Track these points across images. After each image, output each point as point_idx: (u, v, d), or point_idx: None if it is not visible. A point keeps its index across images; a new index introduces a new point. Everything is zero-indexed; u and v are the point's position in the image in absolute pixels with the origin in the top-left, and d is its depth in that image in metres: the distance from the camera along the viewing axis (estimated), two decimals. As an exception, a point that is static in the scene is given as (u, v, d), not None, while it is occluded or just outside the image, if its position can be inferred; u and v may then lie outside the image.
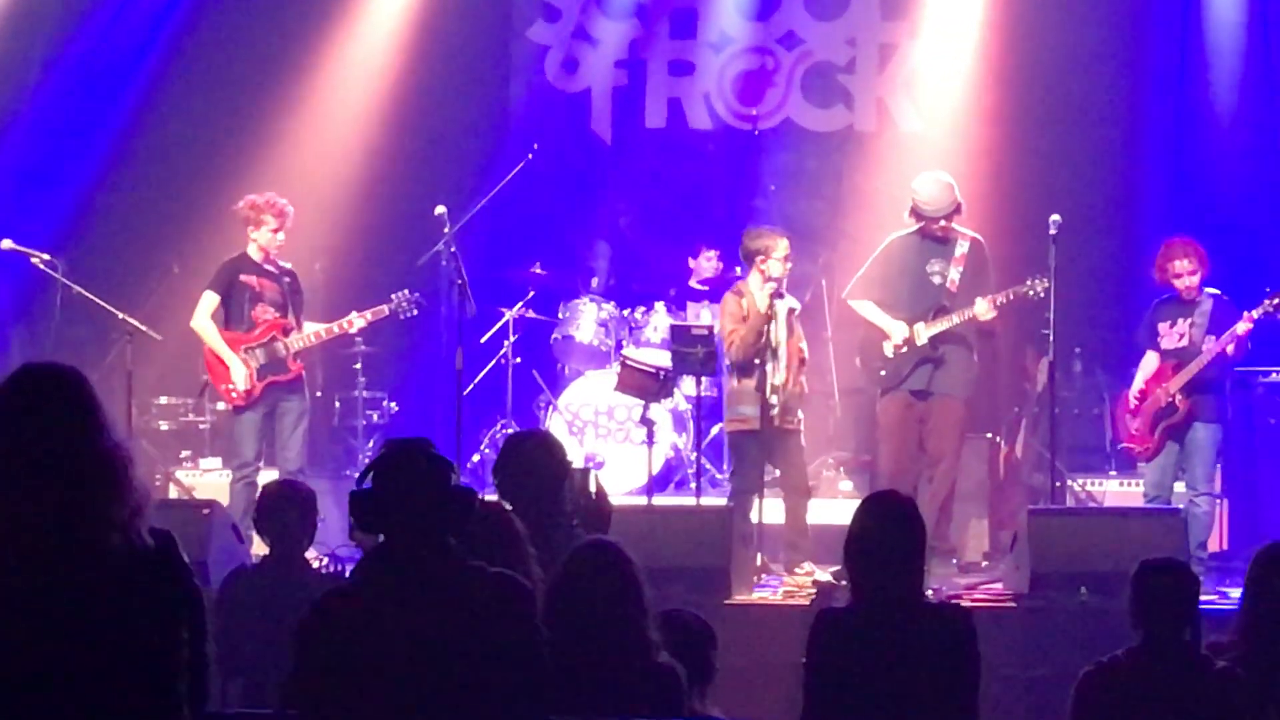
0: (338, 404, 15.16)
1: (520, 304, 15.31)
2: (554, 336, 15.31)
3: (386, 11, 16.27)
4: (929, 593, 7.06)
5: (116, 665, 4.60)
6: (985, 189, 14.29)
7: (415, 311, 12.88)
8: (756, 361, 12.14)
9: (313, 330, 12.77)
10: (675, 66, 16.91)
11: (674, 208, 16.71)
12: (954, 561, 12.56)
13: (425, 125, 16.27)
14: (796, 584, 11.42)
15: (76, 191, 15.68)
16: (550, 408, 15.11)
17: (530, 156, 14.51)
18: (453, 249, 12.49)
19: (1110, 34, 15.66)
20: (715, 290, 15.37)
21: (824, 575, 11.12)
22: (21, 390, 4.74)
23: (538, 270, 15.52)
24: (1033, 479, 14.10)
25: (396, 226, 15.34)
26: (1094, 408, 14.82)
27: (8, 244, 12.85)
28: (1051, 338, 12.08)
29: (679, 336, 13.04)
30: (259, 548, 10.43)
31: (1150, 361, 12.25)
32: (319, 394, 14.61)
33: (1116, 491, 13.87)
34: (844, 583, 9.55)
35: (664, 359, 13.66)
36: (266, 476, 12.07)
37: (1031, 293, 12.15)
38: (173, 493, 14.02)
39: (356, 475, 5.37)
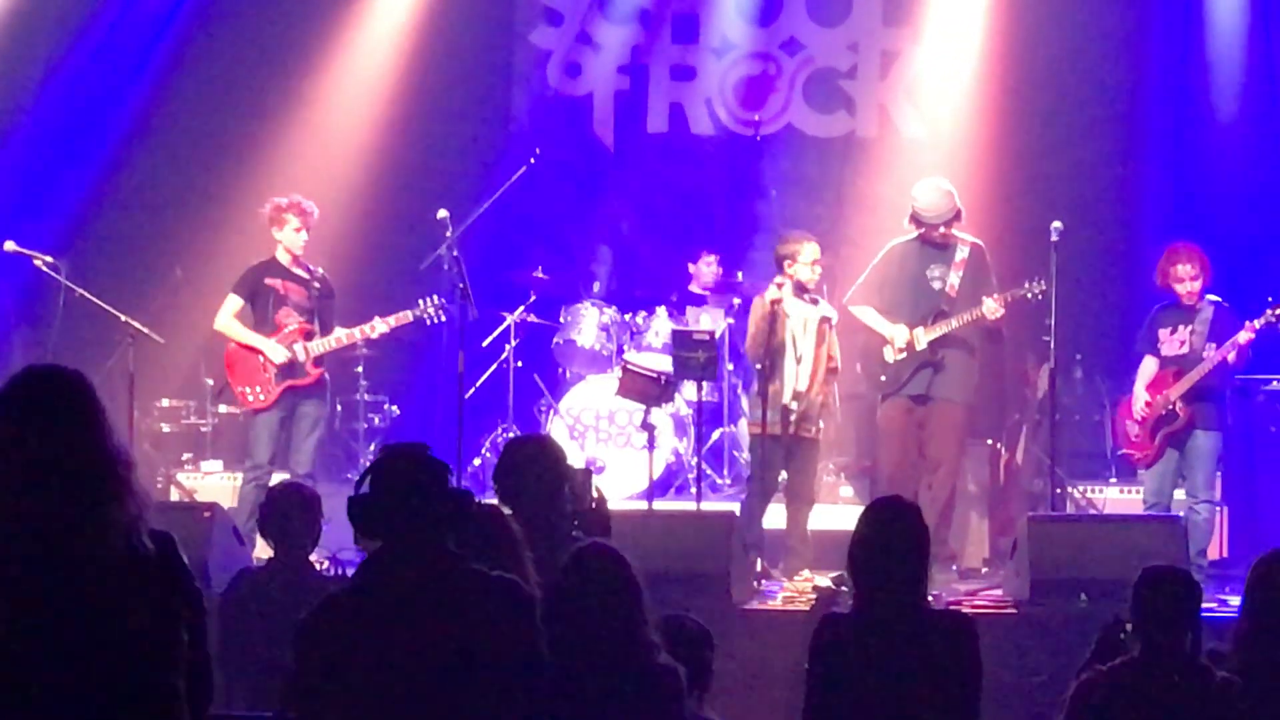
0: (339, 407, 15.16)
1: (522, 308, 15.33)
2: (555, 341, 15.32)
3: (389, 16, 16.28)
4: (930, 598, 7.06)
5: (117, 668, 4.61)
6: (987, 195, 14.31)
7: (442, 318, 12.84)
8: (764, 366, 12.11)
9: (334, 335, 12.75)
10: (677, 71, 16.93)
11: (676, 212, 16.73)
12: (954, 567, 12.55)
13: (427, 129, 16.28)
14: (796, 589, 11.42)
15: (80, 194, 15.70)
16: (551, 412, 15.12)
17: (532, 160, 14.50)
18: (455, 253, 12.48)
19: (1112, 41, 15.68)
20: (716, 295, 15.40)
21: (823, 581, 11.12)
22: (24, 392, 4.74)
23: (539, 274, 15.53)
24: (1033, 485, 14.10)
25: (399, 230, 15.34)
26: (1094, 414, 14.82)
27: (11, 246, 12.85)
28: (1052, 344, 12.09)
29: (680, 341, 13.06)
30: (260, 550, 10.47)
31: (1149, 367, 12.24)
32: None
33: (1117, 498, 13.87)
34: (844, 588, 9.57)
35: (665, 364, 13.67)
36: (280, 480, 12.08)
37: (1029, 294, 12.15)
38: (174, 495, 14.04)
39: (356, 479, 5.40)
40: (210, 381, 14.80)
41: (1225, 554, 12.76)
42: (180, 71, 16.15)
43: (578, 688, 5.87)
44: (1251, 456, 13.41)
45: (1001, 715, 9.06)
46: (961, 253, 12.38)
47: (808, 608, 10.55)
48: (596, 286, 15.96)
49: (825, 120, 16.68)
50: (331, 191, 14.90)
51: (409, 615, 5.18)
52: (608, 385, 14.49)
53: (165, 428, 14.97)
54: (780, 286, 12.15)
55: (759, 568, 11.77)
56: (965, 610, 9.36)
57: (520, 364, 15.25)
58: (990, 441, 13.81)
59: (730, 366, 14.76)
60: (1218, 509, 12.46)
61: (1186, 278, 12.02)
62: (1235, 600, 8.02)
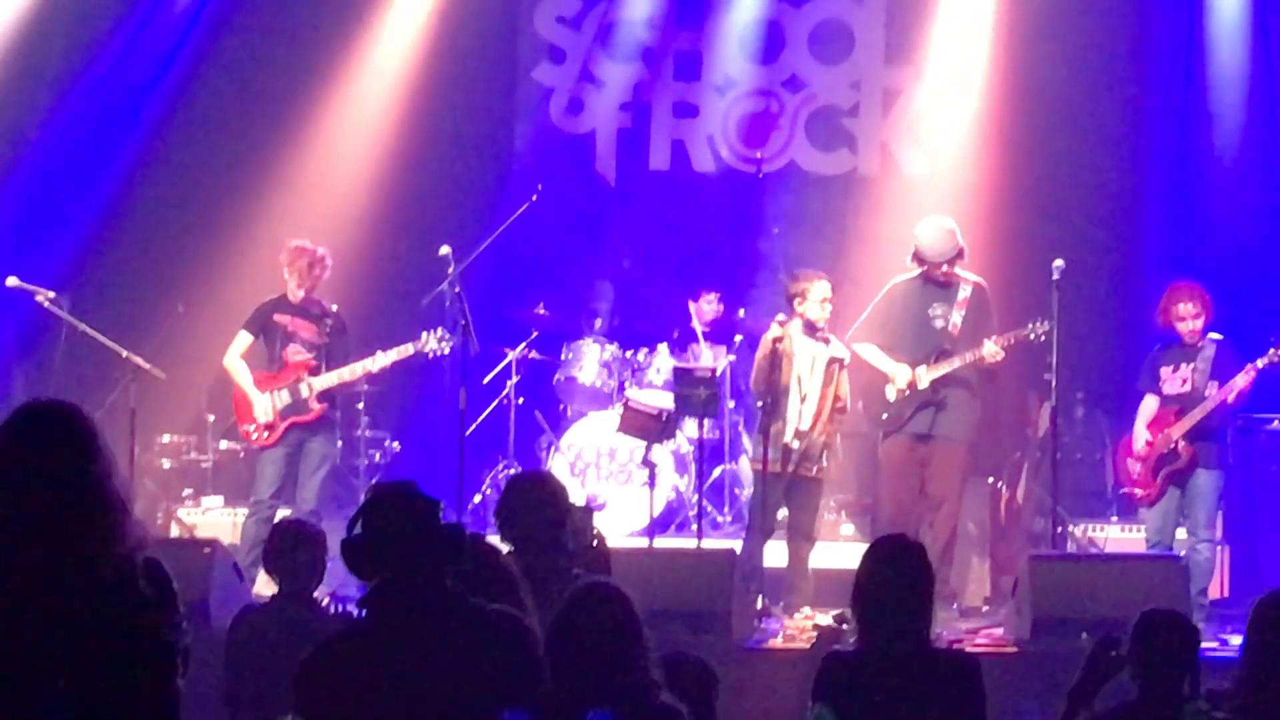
0: (340, 443, 15.16)
1: (523, 344, 15.33)
2: (557, 377, 15.32)
3: (392, 52, 16.32)
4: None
5: (98, 704, 4.60)
6: (988, 233, 14.30)
7: (446, 350, 12.85)
8: (766, 403, 12.11)
9: (336, 371, 12.77)
10: (679, 109, 16.96)
11: (678, 249, 16.71)
12: (955, 606, 12.53)
13: (430, 165, 16.30)
14: (797, 627, 11.41)
15: (81, 229, 15.71)
16: (552, 448, 15.11)
17: (534, 197, 14.53)
18: (457, 289, 12.49)
19: (1114, 79, 15.70)
20: (718, 332, 15.39)
21: (825, 619, 11.10)
22: (22, 426, 4.75)
23: (541, 311, 15.53)
24: (1034, 524, 14.08)
25: (401, 266, 15.37)
26: (1096, 453, 14.82)
27: (13, 281, 12.88)
28: (1053, 382, 12.09)
29: (681, 378, 13.07)
30: (261, 586, 10.46)
31: (1149, 405, 12.24)
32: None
33: (1118, 537, 13.86)
34: (845, 626, 9.57)
35: (666, 401, 13.67)
36: (285, 516, 12.08)
37: (1033, 335, 12.16)
38: (175, 531, 14.03)
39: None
40: (211, 417, 14.83)
41: (1226, 593, 12.74)
42: (182, 106, 16.18)
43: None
44: (1253, 495, 13.39)
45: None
46: (964, 291, 12.39)
47: (809, 646, 10.55)
48: (598, 323, 15.95)
49: (827, 158, 16.70)
50: (334, 227, 14.92)
51: (411, 652, 5.18)
52: (609, 422, 14.48)
53: (166, 463, 14.97)
54: (782, 324, 12.16)
55: (760, 605, 11.75)
56: (967, 649, 9.37)
57: (521, 400, 15.24)
58: (991, 480, 13.80)
59: (731, 404, 14.76)
60: (1219, 548, 12.45)
61: (1188, 316, 12.02)
62: (1236, 640, 8.01)
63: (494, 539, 7.02)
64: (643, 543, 12.97)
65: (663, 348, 15.20)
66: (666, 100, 16.97)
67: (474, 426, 14.17)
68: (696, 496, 13.23)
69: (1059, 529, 12.79)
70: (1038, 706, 9.46)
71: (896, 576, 6.34)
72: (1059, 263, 12.05)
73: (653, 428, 13.42)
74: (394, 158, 16.26)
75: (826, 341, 12.37)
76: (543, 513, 7.59)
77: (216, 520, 14.37)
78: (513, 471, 14.15)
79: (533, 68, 17.07)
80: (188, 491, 14.99)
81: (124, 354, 12.87)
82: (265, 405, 12.63)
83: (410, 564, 5.26)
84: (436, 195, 16.10)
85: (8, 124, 15.67)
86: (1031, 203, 15.55)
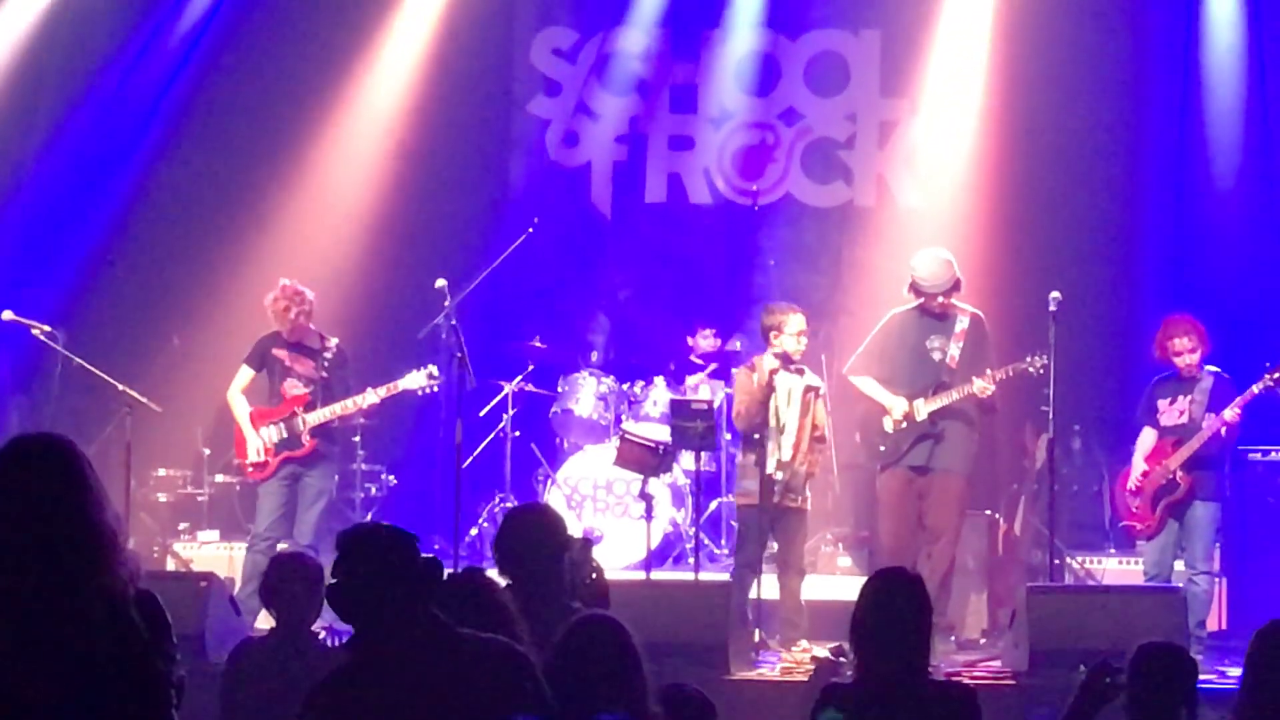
0: (336, 477, 15.14)
1: (519, 377, 15.32)
2: (553, 410, 15.30)
3: (387, 85, 16.34)
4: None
5: None
6: (985, 265, 14.30)
7: (435, 388, 12.89)
8: (756, 437, 12.14)
9: (329, 407, 12.77)
10: (675, 141, 16.97)
11: (674, 282, 16.72)
12: (952, 638, 12.51)
13: (426, 198, 16.32)
14: (794, 660, 11.38)
15: (77, 263, 15.72)
16: (549, 481, 15.09)
17: (530, 230, 14.53)
18: (453, 322, 12.51)
19: (1110, 111, 15.71)
20: (714, 364, 15.37)
21: (821, 652, 11.08)
22: (12, 460, 4.75)
23: (537, 344, 15.52)
24: (1032, 556, 14.05)
25: (397, 299, 15.37)
26: (1093, 485, 14.81)
27: (8, 315, 12.88)
28: (1051, 414, 12.08)
29: (678, 411, 13.04)
30: (262, 620, 10.44)
31: (1147, 438, 12.24)
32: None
33: (1115, 569, 13.86)
34: (843, 659, 9.54)
35: (663, 433, 13.65)
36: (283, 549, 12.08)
37: (1031, 369, 12.15)
38: (170, 565, 14.01)
39: None
40: (208, 451, 14.82)
41: (1224, 625, 12.73)
42: (178, 141, 16.20)
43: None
44: (1250, 527, 13.37)
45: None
46: (961, 323, 12.37)
47: (806, 679, 10.52)
48: (594, 356, 15.93)
49: (823, 190, 16.71)
50: (329, 260, 14.95)
51: (403, 686, 5.18)
52: (605, 455, 14.46)
53: (162, 497, 14.96)
54: (771, 372, 12.16)
55: (756, 638, 11.72)
56: (965, 681, 9.35)
57: (518, 433, 15.22)
58: (989, 512, 13.78)
59: (728, 436, 14.72)
60: (1216, 580, 12.43)
61: (1185, 350, 12.01)
62: (1235, 672, 8.00)
63: (492, 573, 7.00)
64: (639, 576, 12.95)
65: (659, 380, 15.20)
66: (662, 133, 16.98)
67: (470, 460, 14.18)
68: (693, 529, 13.22)
69: (1056, 561, 12.76)
70: (1048, 712, 9.45)
71: (894, 609, 6.32)
72: (1056, 295, 12.05)
73: (650, 461, 13.39)
74: (390, 190, 16.28)
75: (801, 372, 12.37)
76: (541, 546, 7.57)
77: (213, 554, 14.36)
78: (509, 505, 14.15)
79: (528, 100, 17.08)
80: (184, 525, 14.97)
81: (120, 387, 12.86)
82: (257, 444, 12.65)
83: (389, 604, 5.29)
84: (432, 228, 16.11)
85: (4, 158, 15.69)
86: (1028, 235, 15.55)
